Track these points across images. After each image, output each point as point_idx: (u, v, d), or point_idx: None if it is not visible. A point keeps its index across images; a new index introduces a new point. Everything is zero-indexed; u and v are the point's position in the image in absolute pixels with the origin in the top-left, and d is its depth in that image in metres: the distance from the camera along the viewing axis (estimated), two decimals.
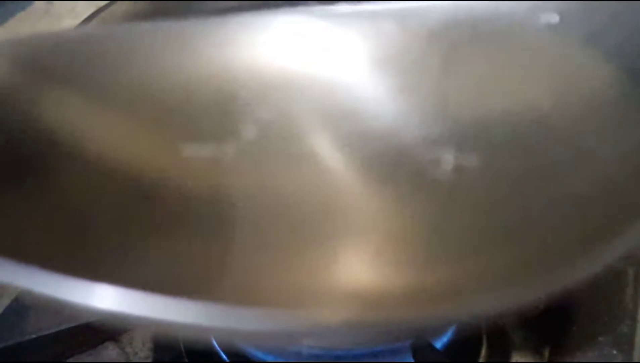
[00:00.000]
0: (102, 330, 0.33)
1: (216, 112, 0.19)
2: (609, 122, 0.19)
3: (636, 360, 0.32)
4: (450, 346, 0.35)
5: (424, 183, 0.20)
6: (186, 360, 0.35)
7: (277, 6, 0.41)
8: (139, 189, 0.16)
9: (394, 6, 0.21)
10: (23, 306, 0.34)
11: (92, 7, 0.33)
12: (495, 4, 0.21)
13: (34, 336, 0.31)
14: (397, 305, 0.15)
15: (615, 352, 0.32)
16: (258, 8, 0.41)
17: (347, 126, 0.20)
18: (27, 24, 0.62)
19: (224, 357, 0.35)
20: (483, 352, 0.36)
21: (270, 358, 0.34)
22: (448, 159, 0.19)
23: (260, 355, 0.34)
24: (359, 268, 0.18)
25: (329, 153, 0.20)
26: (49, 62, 0.17)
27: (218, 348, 0.35)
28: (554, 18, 0.21)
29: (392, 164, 0.20)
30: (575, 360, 0.31)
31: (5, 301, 0.34)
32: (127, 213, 0.16)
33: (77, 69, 0.17)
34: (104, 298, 0.12)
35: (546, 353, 0.36)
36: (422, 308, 0.14)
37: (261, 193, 0.18)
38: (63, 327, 0.32)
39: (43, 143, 0.16)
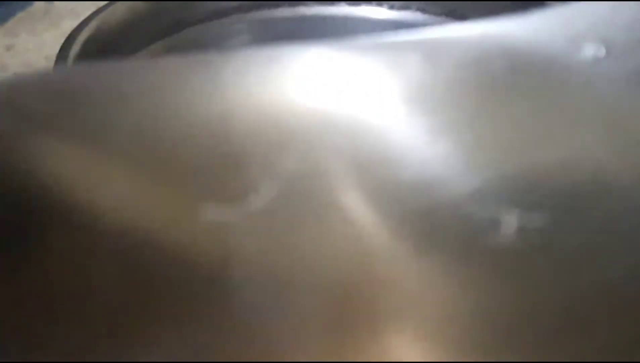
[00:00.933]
0: None
1: (227, 165, 0.16)
2: None
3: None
4: None
5: (478, 249, 0.16)
6: None
7: (277, 6, 0.41)
8: (136, 259, 0.14)
9: (418, 37, 0.19)
10: None
11: (92, 7, 0.33)
12: (529, 34, 0.19)
13: None
14: None
15: None
16: (258, 8, 0.41)
17: (380, 177, 0.17)
18: (27, 24, 0.62)
19: None
20: None
21: None
22: (508, 219, 0.16)
23: None
24: (402, 355, 0.15)
25: (360, 212, 0.16)
26: (35, 107, 0.15)
27: None
28: (600, 51, 0.18)
29: (437, 225, 0.17)
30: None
31: None
32: (124, 288, 0.14)
33: (67, 114, 0.15)
34: None
35: None
36: None
37: (282, 262, 0.15)
38: None
39: (28, 202, 0.14)
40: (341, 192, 0.17)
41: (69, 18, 0.63)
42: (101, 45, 0.32)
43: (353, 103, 0.17)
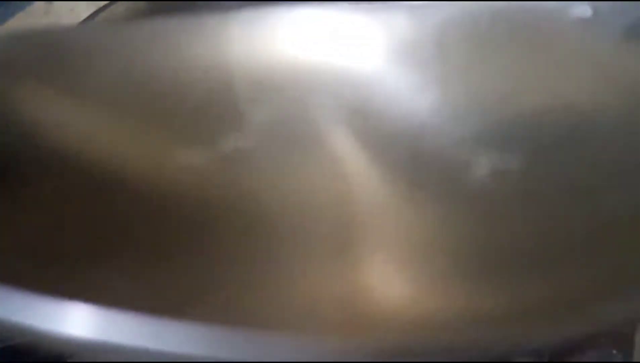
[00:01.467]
0: None
1: (216, 112, 0.16)
2: None
3: (636, 360, 0.32)
4: None
5: (457, 188, 0.18)
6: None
7: (277, 6, 0.41)
8: (122, 196, 0.15)
9: (408, 3, 0.20)
10: None
11: (92, 7, 0.33)
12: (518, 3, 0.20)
13: None
14: (435, 328, 0.13)
15: (615, 352, 0.32)
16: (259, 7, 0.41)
17: (369, 126, 0.18)
18: (27, 24, 0.62)
19: None
20: None
21: None
22: (484, 161, 0.18)
23: None
24: (385, 285, 0.16)
25: (348, 155, 0.18)
26: (29, 60, 0.15)
27: None
28: (587, 11, 0.19)
29: (421, 168, 0.18)
30: (575, 360, 0.31)
31: None
32: (107, 223, 0.15)
33: (60, 68, 0.15)
34: (75, 319, 0.10)
35: (546, 353, 0.36)
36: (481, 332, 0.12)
37: (270, 199, 0.16)
38: None
39: (20, 148, 0.14)
40: (330, 138, 0.18)
41: (69, 18, 0.63)
42: None
43: (342, 58, 0.18)
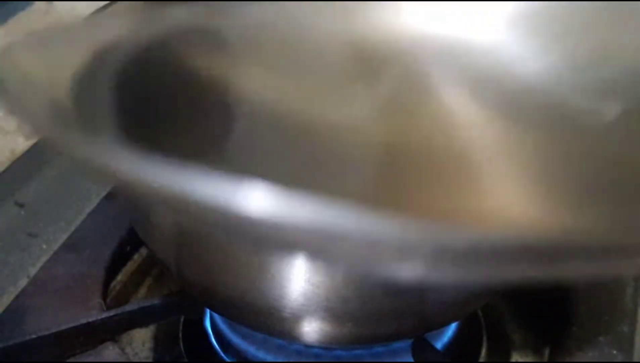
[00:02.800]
0: (102, 330, 0.33)
1: (352, 69, 0.19)
2: None
3: (636, 360, 0.32)
4: (450, 346, 0.35)
5: (581, 131, 0.19)
6: (186, 360, 0.35)
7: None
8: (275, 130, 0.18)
9: None
10: (23, 306, 0.34)
11: (92, 7, 0.33)
12: None
13: (34, 336, 0.31)
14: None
15: (615, 352, 0.32)
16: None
17: (492, 88, 0.20)
18: (27, 24, 0.62)
19: (224, 357, 0.35)
20: (483, 352, 0.36)
21: (270, 358, 0.34)
22: (609, 107, 0.19)
23: (260, 355, 0.34)
24: (512, 207, 0.17)
25: (469, 109, 0.20)
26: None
27: (218, 349, 0.35)
28: None
29: (542, 115, 0.19)
30: (575, 360, 0.31)
31: (6, 301, 0.34)
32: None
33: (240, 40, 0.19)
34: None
35: (546, 353, 0.36)
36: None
37: (395, 141, 0.18)
38: (63, 327, 0.32)
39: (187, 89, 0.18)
40: (453, 96, 0.20)
41: (69, 18, 0.63)
42: None
43: (462, 29, 0.20)
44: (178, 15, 0.20)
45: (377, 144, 0.18)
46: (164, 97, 0.17)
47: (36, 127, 0.11)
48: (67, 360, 0.32)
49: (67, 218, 0.40)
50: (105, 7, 0.33)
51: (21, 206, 0.41)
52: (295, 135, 0.18)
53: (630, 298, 0.34)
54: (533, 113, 0.19)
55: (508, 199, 0.17)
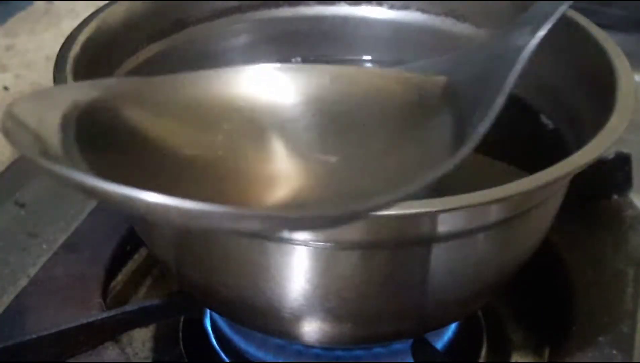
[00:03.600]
0: (102, 330, 0.33)
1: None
2: None
3: (636, 360, 0.32)
4: (450, 346, 0.35)
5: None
6: (186, 360, 0.35)
7: (277, 6, 0.41)
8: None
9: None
10: (23, 306, 0.34)
11: (92, 7, 0.33)
12: None
13: (34, 336, 0.31)
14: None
15: (615, 352, 0.32)
16: (257, 8, 0.41)
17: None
18: (27, 24, 0.62)
19: (224, 357, 0.35)
20: (483, 352, 0.36)
21: (270, 358, 0.34)
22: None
23: (260, 355, 0.34)
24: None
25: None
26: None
27: (218, 348, 0.35)
28: None
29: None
30: (575, 360, 0.32)
31: (6, 301, 0.34)
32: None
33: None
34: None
35: (546, 353, 0.36)
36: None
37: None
38: (63, 327, 0.32)
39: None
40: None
41: (69, 18, 0.63)
42: (101, 45, 0.32)
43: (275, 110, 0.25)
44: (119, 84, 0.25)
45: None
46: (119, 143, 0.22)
47: (30, 155, 0.16)
48: (67, 360, 0.32)
49: (67, 218, 0.40)
50: (105, 7, 0.33)
51: (21, 206, 0.41)
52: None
53: (630, 298, 0.34)
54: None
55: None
